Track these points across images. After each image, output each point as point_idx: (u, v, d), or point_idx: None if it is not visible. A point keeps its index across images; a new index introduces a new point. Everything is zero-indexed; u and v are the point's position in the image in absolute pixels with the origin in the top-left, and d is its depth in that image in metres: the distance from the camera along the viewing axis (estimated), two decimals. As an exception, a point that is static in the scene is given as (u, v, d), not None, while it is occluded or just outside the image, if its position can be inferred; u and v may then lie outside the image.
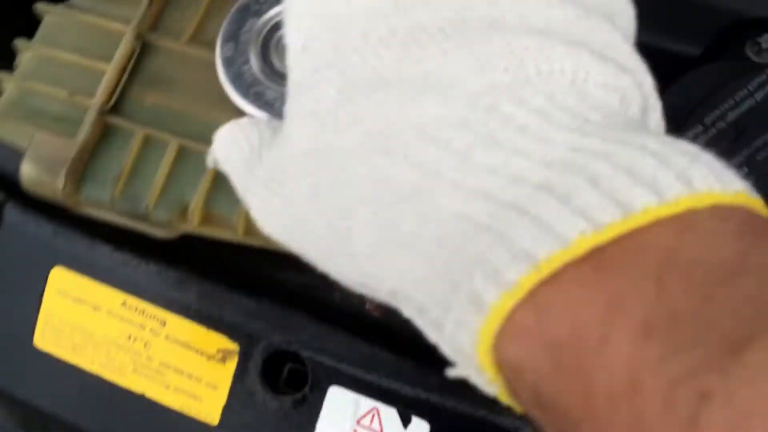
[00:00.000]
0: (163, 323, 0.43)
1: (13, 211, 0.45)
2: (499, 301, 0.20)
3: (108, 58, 0.44)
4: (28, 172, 0.42)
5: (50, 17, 0.47)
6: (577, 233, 0.19)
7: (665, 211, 0.19)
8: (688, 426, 0.16)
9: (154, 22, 0.45)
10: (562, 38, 0.24)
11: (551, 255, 0.19)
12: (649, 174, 0.19)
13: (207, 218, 0.42)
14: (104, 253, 0.44)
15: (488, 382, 0.22)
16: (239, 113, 0.43)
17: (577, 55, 0.23)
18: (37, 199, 0.43)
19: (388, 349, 0.41)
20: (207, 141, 0.43)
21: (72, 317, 0.44)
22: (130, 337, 0.43)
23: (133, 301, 0.43)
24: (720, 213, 0.19)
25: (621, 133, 0.21)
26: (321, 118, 0.25)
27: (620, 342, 0.18)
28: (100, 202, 0.42)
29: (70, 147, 0.42)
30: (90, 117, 0.42)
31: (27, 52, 0.46)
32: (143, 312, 0.43)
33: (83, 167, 0.42)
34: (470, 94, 0.23)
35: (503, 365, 0.21)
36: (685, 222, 0.19)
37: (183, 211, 0.42)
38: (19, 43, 0.46)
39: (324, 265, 0.27)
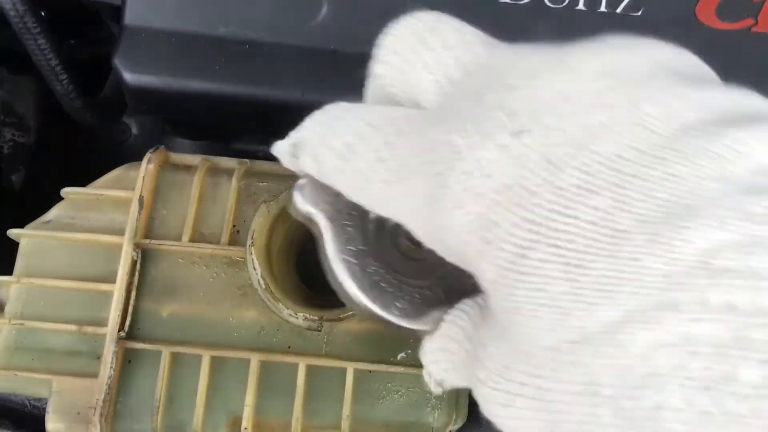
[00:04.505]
0: None
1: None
2: None
3: (105, 277, 0.41)
4: (55, 427, 0.38)
5: (28, 242, 0.43)
6: None
7: None
8: None
9: (147, 227, 0.42)
10: None
11: None
12: None
13: (260, 427, 0.39)
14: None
15: None
16: (264, 310, 0.41)
17: None
18: None
19: None
20: (240, 345, 0.41)
21: None
22: None
23: None
24: None
25: None
26: (555, 308, 0.23)
27: None
28: (140, 437, 0.39)
29: (95, 387, 0.39)
30: (109, 349, 0.39)
31: (11, 287, 0.42)
32: None
33: (115, 405, 0.39)
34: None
35: None
36: None
37: (233, 425, 0.39)
38: (1, 279, 0.42)
39: None
